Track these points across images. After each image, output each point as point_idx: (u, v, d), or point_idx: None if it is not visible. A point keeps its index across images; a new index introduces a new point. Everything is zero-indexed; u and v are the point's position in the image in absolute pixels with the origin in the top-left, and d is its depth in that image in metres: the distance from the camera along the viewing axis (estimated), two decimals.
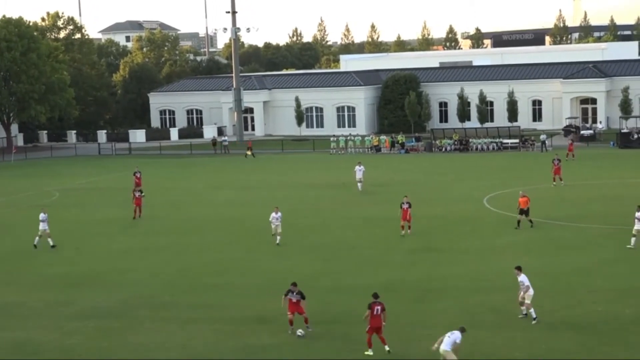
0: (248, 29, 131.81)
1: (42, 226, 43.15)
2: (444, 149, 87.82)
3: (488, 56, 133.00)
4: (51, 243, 43.02)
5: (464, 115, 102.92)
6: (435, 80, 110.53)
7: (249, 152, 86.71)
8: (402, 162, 79.10)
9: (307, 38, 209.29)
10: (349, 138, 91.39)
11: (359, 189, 58.82)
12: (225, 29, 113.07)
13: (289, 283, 28.65)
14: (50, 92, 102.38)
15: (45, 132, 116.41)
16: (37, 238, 43.27)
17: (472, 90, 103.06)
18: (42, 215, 43.30)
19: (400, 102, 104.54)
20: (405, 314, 29.54)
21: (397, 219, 44.06)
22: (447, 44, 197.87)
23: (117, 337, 28.64)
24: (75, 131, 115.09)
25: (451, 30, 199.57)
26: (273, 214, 41.93)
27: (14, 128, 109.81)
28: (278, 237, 41.53)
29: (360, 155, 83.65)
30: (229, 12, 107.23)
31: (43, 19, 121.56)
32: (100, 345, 27.87)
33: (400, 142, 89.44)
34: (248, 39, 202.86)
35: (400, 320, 28.61)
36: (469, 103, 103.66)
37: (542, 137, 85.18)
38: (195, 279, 36.02)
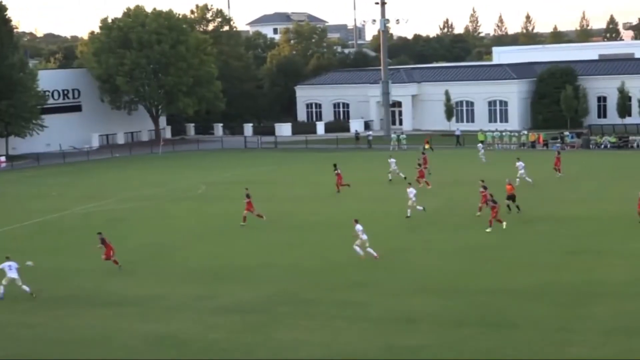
0: (397, 20, 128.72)
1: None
2: (602, 146, 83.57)
3: None
4: None
5: (624, 110, 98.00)
6: (594, 73, 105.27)
7: (427, 146, 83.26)
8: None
9: (459, 29, 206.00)
10: (496, 133, 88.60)
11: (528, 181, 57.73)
12: (374, 20, 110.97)
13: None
14: (198, 85, 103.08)
15: (193, 125, 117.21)
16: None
17: (634, 84, 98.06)
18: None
19: (556, 97, 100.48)
20: (556, 318, 28.55)
21: (548, 219, 44.56)
22: (607, 35, 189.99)
23: (260, 332, 28.30)
24: (221, 124, 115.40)
25: (612, 21, 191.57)
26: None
27: (162, 121, 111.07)
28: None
29: (511, 151, 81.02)
30: (378, 3, 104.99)
31: (192, 12, 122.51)
32: (244, 340, 27.60)
33: (562, 137, 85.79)
34: (397, 31, 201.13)
35: (551, 324, 27.59)
36: (630, 98, 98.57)
37: None
38: (340, 275, 35.36)
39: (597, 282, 32.92)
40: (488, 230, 42.25)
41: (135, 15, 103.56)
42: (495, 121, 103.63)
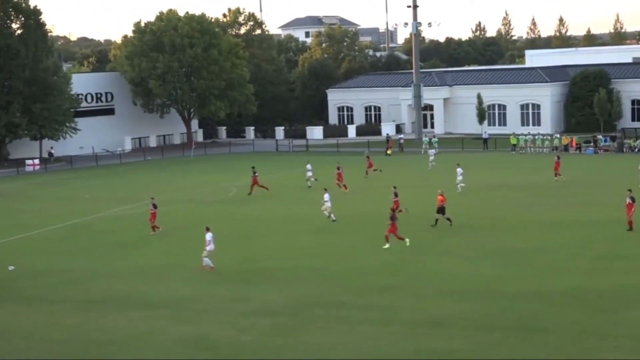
0: (429, 23, 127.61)
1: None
2: (636, 149, 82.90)
3: None
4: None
5: None
6: (628, 76, 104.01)
7: (388, 152, 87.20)
8: (591, 163, 75.57)
9: (491, 32, 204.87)
10: (529, 137, 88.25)
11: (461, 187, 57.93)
12: (406, 23, 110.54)
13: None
14: (229, 88, 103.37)
15: (224, 128, 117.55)
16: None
17: None
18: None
19: (589, 100, 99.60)
20: (589, 323, 28.21)
21: (581, 223, 44.64)
22: None
23: (291, 335, 28.41)
24: (253, 127, 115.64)
25: None
26: None
27: (194, 124, 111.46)
28: None
29: (544, 155, 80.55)
30: (410, 6, 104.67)
31: (224, 15, 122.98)
32: (275, 343, 27.69)
33: (595, 141, 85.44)
34: (429, 34, 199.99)
35: (584, 330, 27.39)
36: None
37: None
38: (368, 279, 35.36)
39: (631, 286, 32.44)
40: (385, 246, 40.42)
41: (167, 19, 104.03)
42: (528, 124, 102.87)
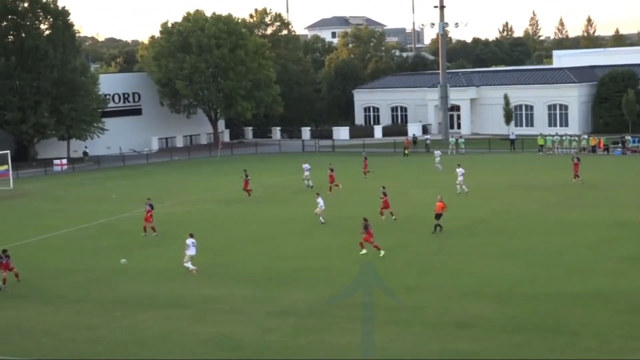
0: (456, 23, 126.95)
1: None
2: None
3: None
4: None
5: None
6: None
7: (406, 152, 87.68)
8: (619, 164, 75.06)
9: (518, 33, 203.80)
10: (556, 137, 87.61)
11: (464, 189, 57.50)
12: (433, 24, 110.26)
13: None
14: (256, 89, 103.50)
15: (251, 128, 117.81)
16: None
17: None
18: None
19: (617, 101, 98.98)
20: (616, 325, 27.88)
21: (607, 224, 43.79)
22: None
23: (315, 336, 28.36)
24: (279, 128, 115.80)
25: None
26: None
27: (221, 124, 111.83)
28: None
29: (570, 156, 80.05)
30: (437, 6, 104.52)
31: (251, 16, 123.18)
32: (298, 343, 27.67)
33: (623, 142, 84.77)
34: (456, 34, 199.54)
35: (611, 332, 27.07)
36: None
37: None
38: (394, 279, 35.06)
39: None
40: (362, 252, 40.00)
41: (194, 20, 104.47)
42: (555, 125, 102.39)
